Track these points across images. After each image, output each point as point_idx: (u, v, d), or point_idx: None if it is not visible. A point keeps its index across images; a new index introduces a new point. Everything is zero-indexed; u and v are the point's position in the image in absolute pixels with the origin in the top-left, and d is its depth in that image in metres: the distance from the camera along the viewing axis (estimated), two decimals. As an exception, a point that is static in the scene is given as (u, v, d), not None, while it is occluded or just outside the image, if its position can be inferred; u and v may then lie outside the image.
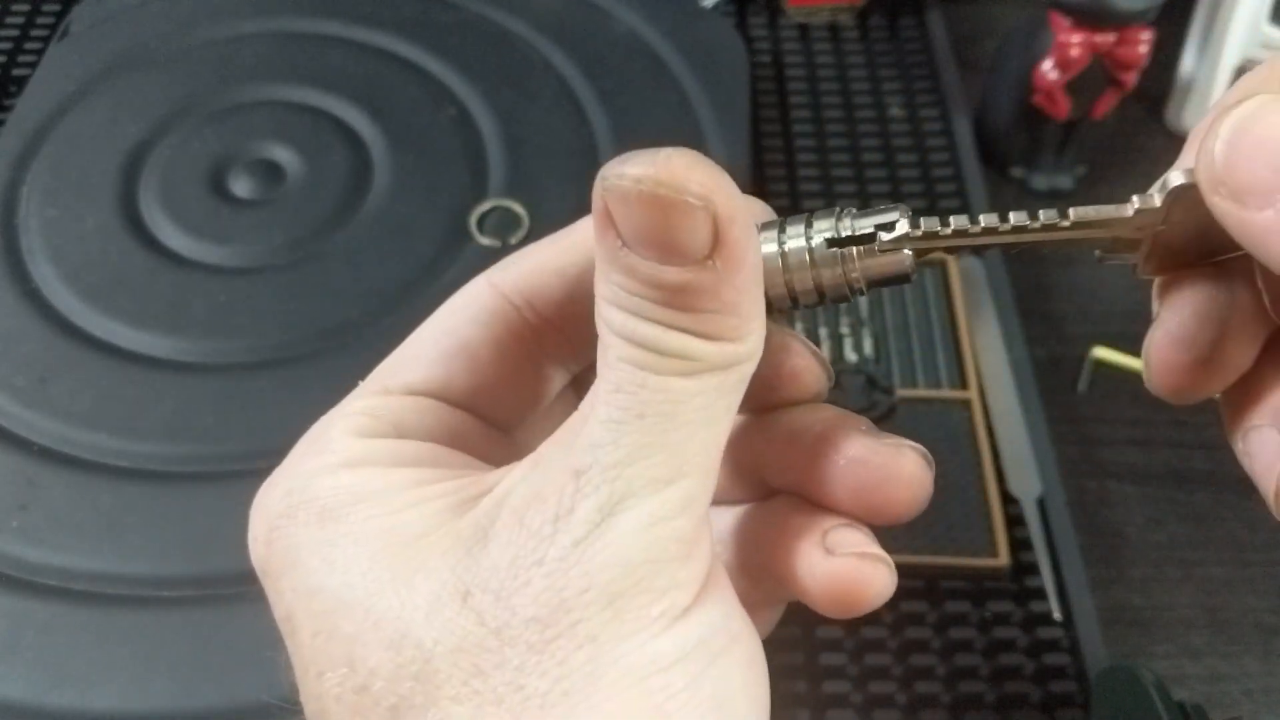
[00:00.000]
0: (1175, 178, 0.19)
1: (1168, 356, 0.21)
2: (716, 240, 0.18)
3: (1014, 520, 0.48)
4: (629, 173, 0.18)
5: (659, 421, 0.18)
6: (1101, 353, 0.54)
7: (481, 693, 0.17)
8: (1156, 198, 0.19)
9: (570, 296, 0.22)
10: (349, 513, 0.19)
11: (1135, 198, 0.20)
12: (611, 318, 0.18)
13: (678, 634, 0.17)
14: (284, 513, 0.19)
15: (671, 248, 0.18)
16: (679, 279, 0.18)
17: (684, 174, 0.18)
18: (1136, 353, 0.55)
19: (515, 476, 0.18)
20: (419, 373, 0.22)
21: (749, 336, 0.18)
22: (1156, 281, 0.20)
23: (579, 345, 0.23)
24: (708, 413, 0.18)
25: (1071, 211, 0.20)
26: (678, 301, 0.18)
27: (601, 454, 0.17)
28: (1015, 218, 0.20)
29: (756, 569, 0.22)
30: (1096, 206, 0.20)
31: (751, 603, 0.20)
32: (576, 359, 0.23)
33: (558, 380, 0.23)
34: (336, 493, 0.19)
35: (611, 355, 0.18)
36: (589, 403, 0.18)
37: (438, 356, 0.22)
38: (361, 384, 0.22)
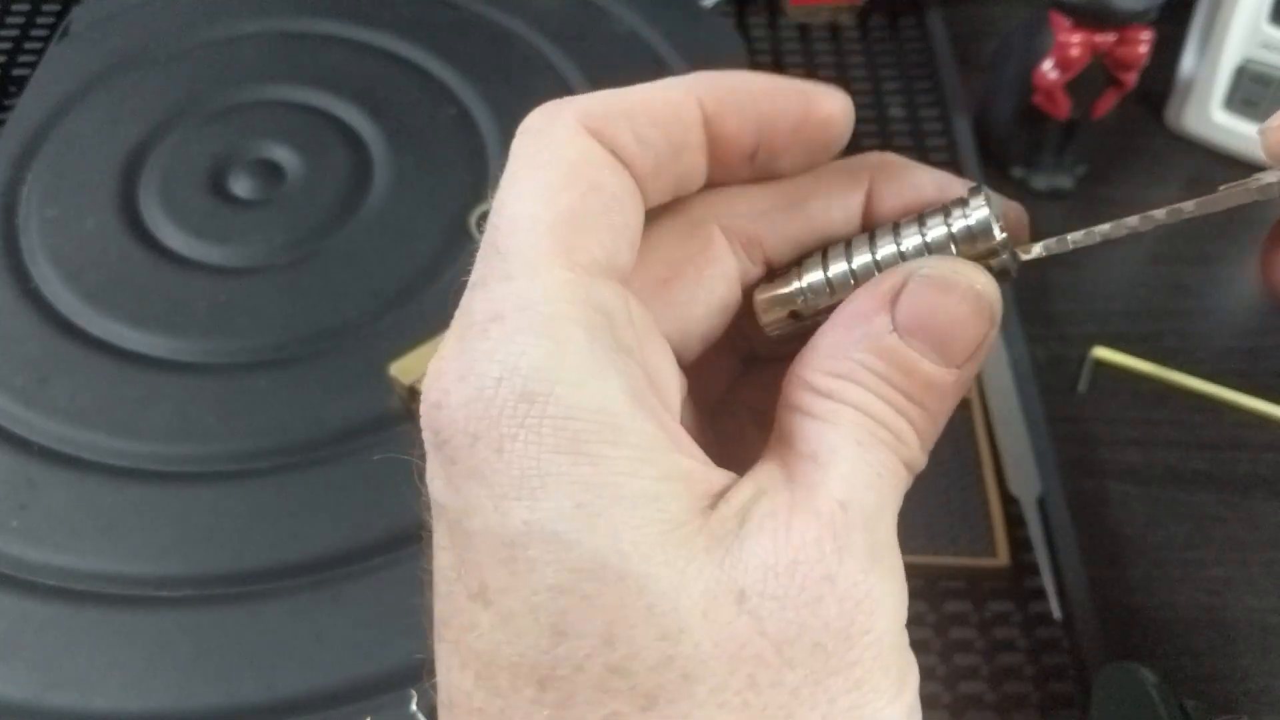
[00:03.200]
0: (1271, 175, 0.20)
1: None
2: (976, 352, 0.19)
3: (1014, 520, 0.48)
4: (947, 268, 0.19)
5: (891, 491, 0.18)
6: (1101, 353, 0.54)
7: (752, 705, 0.16)
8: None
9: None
10: (608, 456, 0.17)
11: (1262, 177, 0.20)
12: (844, 390, 0.19)
13: (899, 711, 0.17)
14: (525, 422, 0.17)
15: (951, 348, 0.19)
16: (936, 376, 0.19)
17: (987, 283, 0.20)
18: (1137, 353, 0.56)
19: (746, 490, 0.18)
20: (622, 254, 0.19)
21: (928, 452, 0.20)
22: None
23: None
24: (899, 504, 0.19)
25: (1193, 203, 0.21)
26: (916, 394, 0.19)
27: (860, 495, 0.18)
28: (1140, 221, 0.22)
29: None
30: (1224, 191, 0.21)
31: None
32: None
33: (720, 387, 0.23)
34: (593, 419, 0.17)
35: (843, 418, 0.19)
36: (801, 446, 0.18)
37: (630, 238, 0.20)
38: (517, 243, 0.19)
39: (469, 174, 0.53)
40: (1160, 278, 0.59)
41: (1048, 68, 0.57)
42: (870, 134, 0.63)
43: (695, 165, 0.20)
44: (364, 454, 0.44)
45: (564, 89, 0.57)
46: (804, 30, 0.69)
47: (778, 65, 0.67)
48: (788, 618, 0.16)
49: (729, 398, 0.23)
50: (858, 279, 0.21)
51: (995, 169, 0.63)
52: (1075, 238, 0.21)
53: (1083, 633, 0.44)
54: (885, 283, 0.19)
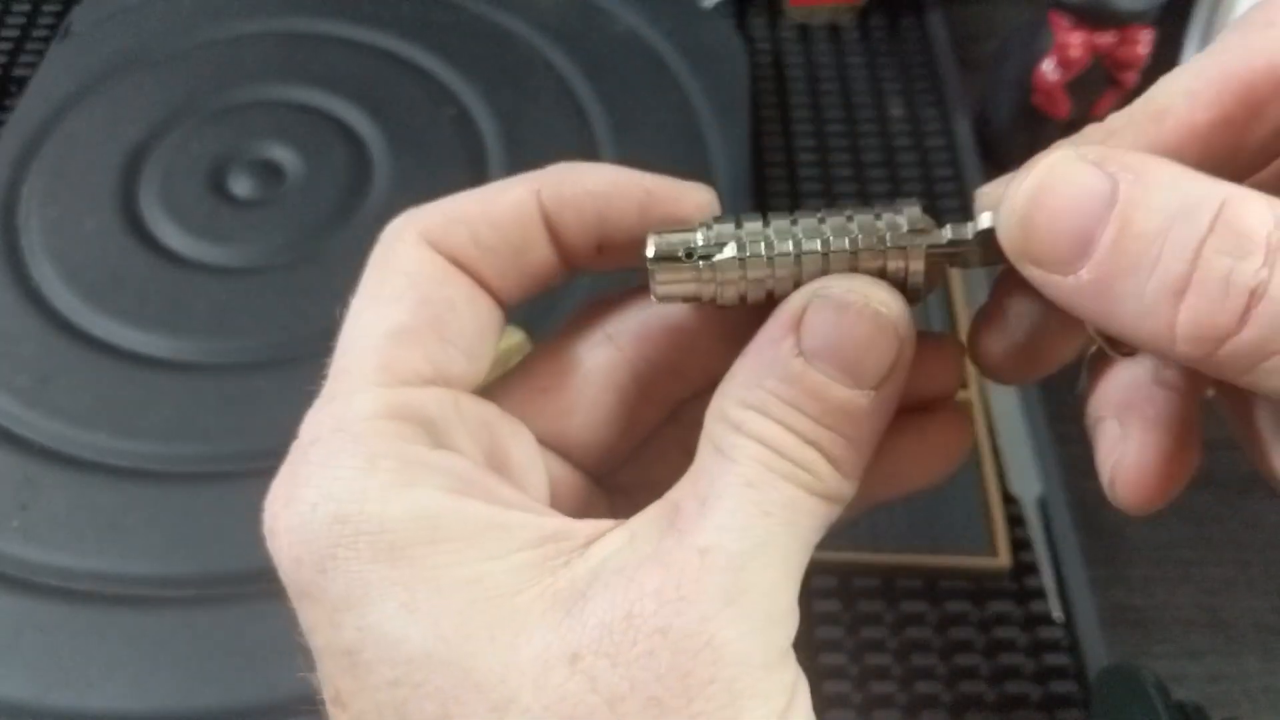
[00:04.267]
0: (985, 220, 0.19)
1: (983, 340, 0.21)
2: (890, 373, 0.19)
3: (1014, 520, 0.48)
4: (843, 287, 0.19)
5: (781, 528, 0.18)
6: None
7: None
8: (969, 227, 0.19)
9: (679, 336, 0.22)
10: (424, 555, 0.17)
11: (963, 225, 0.20)
12: (750, 422, 0.18)
13: None
14: (341, 541, 0.18)
15: (859, 369, 0.18)
16: (847, 400, 0.18)
17: (890, 301, 0.19)
18: (1136, 353, 0.55)
19: (613, 541, 0.18)
20: (452, 361, 0.20)
21: (856, 478, 0.19)
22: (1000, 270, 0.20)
23: (680, 382, 0.22)
24: (812, 535, 0.18)
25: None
26: (828, 420, 0.18)
27: (728, 539, 0.17)
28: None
29: None
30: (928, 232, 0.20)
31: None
32: (669, 395, 0.23)
33: (645, 429, 0.23)
34: (404, 526, 0.18)
35: (742, 453, 0.18)
36: (701, 485, 0.18)
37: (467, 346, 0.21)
38: (348, 361, 0.20)
39: (469, 174, 0.53)
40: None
41: (1048, 68, 0.57)
42: (870, 134, 0.63)
43: (543, 261, 0.21)
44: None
45: (564, 89, 0.57)
46: (804, 30, 0.69)
47: (778, 65, 0.67)
48: (619, 674, 0.16)
49: (670, 435, 0.23)
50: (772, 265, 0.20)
51: (995, 169, 0.63)
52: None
53: (1083, 633, 0.44)
54: (790, 305, 0.19)
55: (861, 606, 0.46)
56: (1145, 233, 0.16)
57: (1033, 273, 0.17)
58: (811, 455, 0.18)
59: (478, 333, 0.21)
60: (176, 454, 0.44)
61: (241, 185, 0.53)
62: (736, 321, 0.21)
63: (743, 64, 0.59)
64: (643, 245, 0.20)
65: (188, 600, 0.40)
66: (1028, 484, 0.49)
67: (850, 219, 0.20)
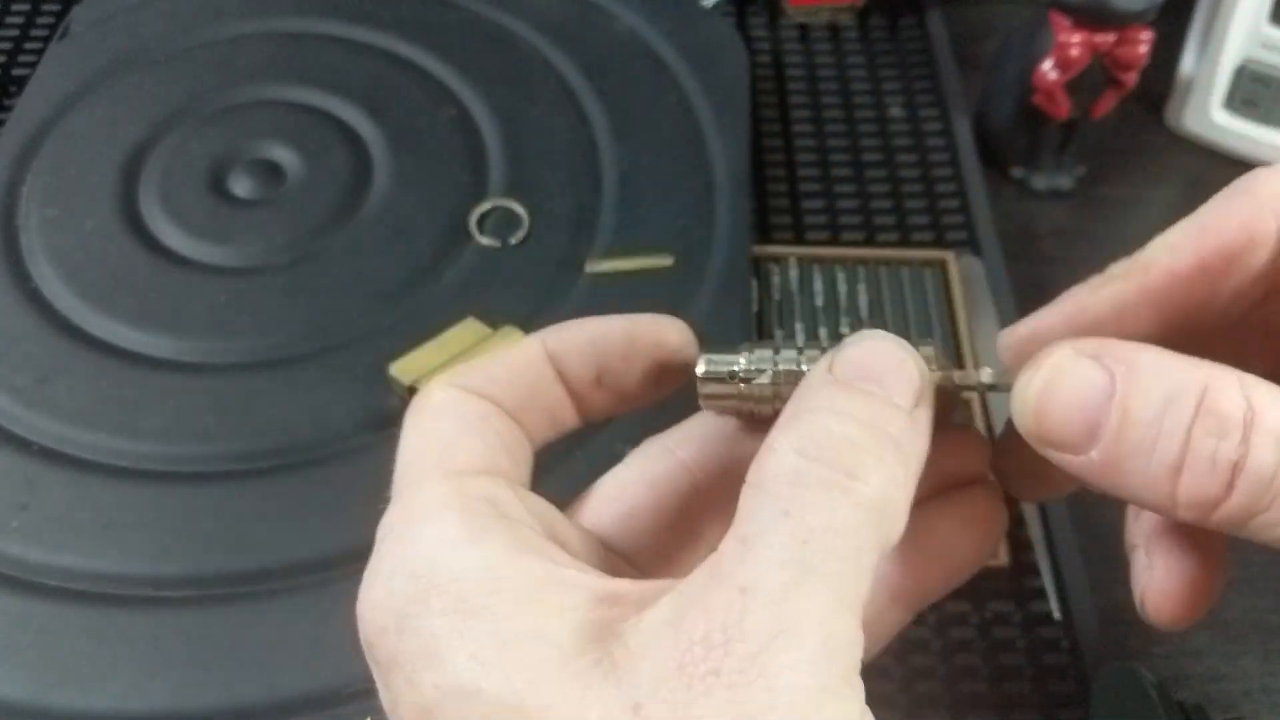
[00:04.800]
0: (987, 376, 0.22)
1: (1003, 467, 0.24)
2: (921, 397, 0.20)
3: (1014, 520, 0.48)
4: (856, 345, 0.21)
5: (824, 554, 0.18)
6: None
7: None
8: (978, 374, 0.23)
9: (737, 461, 0.24)
10: (489, 605, 0.18)
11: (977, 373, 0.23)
12: (786, 442, 0.19)
13: None
14: (415, 598, 0.19)
15: (892, 384, 0.20)
16: (883, 404, 0.20)
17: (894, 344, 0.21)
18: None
19: (664, 602, 0.18)
20: (501, 460, 0.23)
21: (904, 498, 0.20)
22: None
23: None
24: (863, 556, 0.18)
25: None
26: (867, 424, 0.20)
27: (768, 575, 0.17)
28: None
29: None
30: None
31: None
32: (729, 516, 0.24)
33: (710, 535, 0.25)
34: (470, 577, 0.19)
35: (778, 480, 0.19)
36: (740, 527, 0.18)
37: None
38: (409, 476, 0.22)
39: (469, 174, 0.53)
40: (1160, 278, 0.59)
41: (1048, 68, 0.57)
42: (870, 134, 0.63)
43: (557, 399, 0.24)
44: (364, 454, 0.44)
45: (564, 89, 0.57)
46: (804, 30, 0.69)
47: (778, 65, 0.67)
48: (679, 715, 0.16)
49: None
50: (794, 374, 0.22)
51: (995, 169, 0.63)
52: None
53: (1083, 633, 0.44)
54: (822, 361, 0.21)
55: (861, 606, 0.46)
56: (1143, 420, 0.19)
57: (1049, 453, 0.20)
58: (851, 456, 0.19)
59: (519, 448, 0.23)
60: (176, 454, 0.44)
61: (241, 185, 0.53)
62: None
63: (743, 64, 0.59)
64: (694, 364, 0.24)
65: (188, 600, 0.40)
66: (1028, 484, 0.49)
67: None
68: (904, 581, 0.23)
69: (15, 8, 0.69)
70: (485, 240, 0.51)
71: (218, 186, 0.53)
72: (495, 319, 0.46)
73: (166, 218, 0.52)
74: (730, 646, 0.17)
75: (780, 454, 0.19)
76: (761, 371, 0.22)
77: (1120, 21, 0.54)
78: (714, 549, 0.23)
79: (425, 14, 0.60)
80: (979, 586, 0.46)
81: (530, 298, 0.49)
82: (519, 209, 0.52)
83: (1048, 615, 0.45)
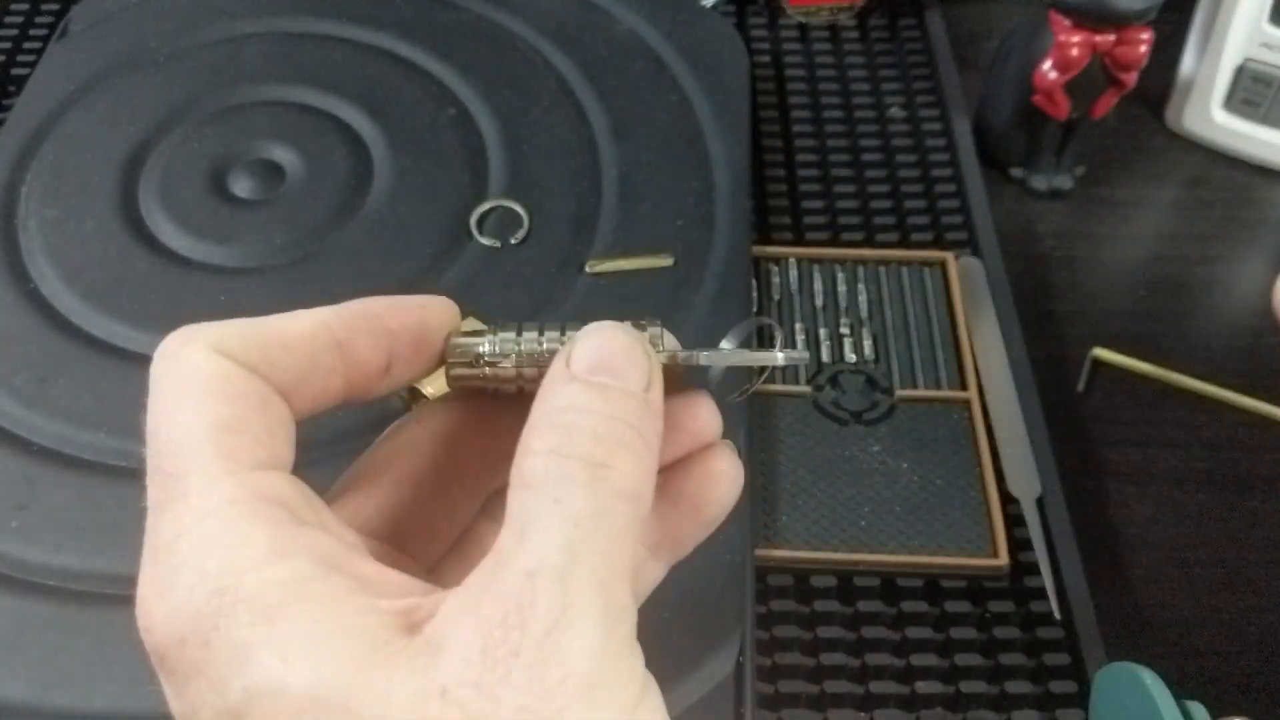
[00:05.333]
0: (703, 359, 0.23)
1: None
2: (651, 377, 0.22)
3: (1014, 520, 0.48)
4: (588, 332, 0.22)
5: (594, 533, 0.19)
6: (1101, 353, 0.54)
7: None
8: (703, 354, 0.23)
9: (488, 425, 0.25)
10: (300, 614, 0.19)
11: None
12: (542, 444, 0.20)
13: None
14: (222, 612, 0.19)
15: (625, 372, 0.21)
16: (623, 398, 0.21)
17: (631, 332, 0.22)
18: (1136, 353, 0.55)
19: (453, 598, 0.19)
20: (279, 448, 0.22)
21: (650, 477, 0.21)
22: None
23: (495, 468, 0.24)
24: (626, 534, 0.20)
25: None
26: (611, 419, 0.21)
27: (549, 556, 0.19)
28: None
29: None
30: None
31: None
32: (489, 481, 0.25)
33: (465, 508, 0.26)
34: (280, 590, 0.19)
35: (541, 475, 0.20)
36: (514, 520, 0.20)
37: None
38: (181, 463, 0.21)
39: (469, 174, 0.53)
40: (1160, 278, 0.59)
41: (1047, 68, 0.57)
42: (870, 134, 0.63)
43: (332, 385, 0.23)
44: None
45: (564, 89, 0.57)
46: (804, 30, 0.69)
47: (778, 65, 0.67)
48: (485, 696, 0.18)
49: (488, 531, 0.26)
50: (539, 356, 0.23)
51: (995, 169, 0.63)
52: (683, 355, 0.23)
53: (1083, 633, 0.44)
54: (560, 356, 0.22)
55: (861, 606, 0.46)
56: None
57: None
58: (604, 452, 0.20)
59: (288, 431, 0.22)
60: (176, 454, 0.44)
61: (241, 185, 0.53)
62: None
63: (743, 64, 0.59)
64: (444, 347, 0.24)
65: (188, 600, 0.40)
66: (1028, 484, 0.49)
67: None
68: (661, 538, 0.25)
69: (14, 7, 0.69)
70: (485, 240, 0.51)
71: (218, 186, 0.53)
72: (495, 319, 0.46)
73: (167, 218, 0.52)
74: (526, 627, 0.18)
75: (539, 455, 0.20)
76: (506, 356, 0.23)
77: (1120, 21, 0.54)
78: (466, 525, 0.25)
79: (425, 14, 0.60)
80: (979, 586, 0.46)
81: (530, 298, 0.49)
82: (519, 209, 0.52)
83: (1048, 615, 0.45)
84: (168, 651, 0.20)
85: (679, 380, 0.24)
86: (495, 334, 0.24)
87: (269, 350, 0.22)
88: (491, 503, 0.26)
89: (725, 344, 0.24)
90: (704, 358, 0.23)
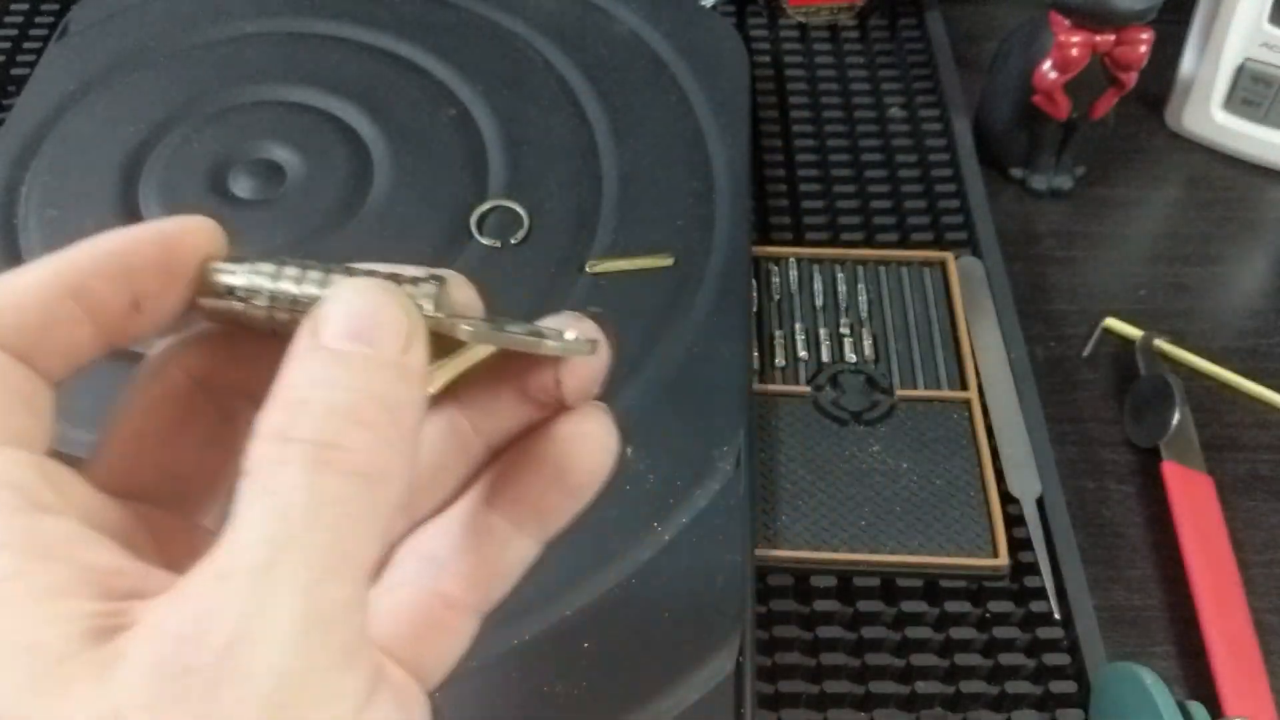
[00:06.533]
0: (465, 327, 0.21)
1: None
2: (410, 339, 0.19)
3: (1014, 520, 0.48)
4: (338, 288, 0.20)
5: (308, 527, 0.17)
6: (1112, 323, 0.55)
7: None
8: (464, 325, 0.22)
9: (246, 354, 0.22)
10: None
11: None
12: (266, 423, 0.18)
13: None
14: None
15: (375, 332, 0.19)
16: (366, 361, 0.19)
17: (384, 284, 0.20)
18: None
19: (157, 601, 0.17)
20: (22, 423, 0.20)
21: (401, 452, 0.19)
22: None
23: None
24: (360, 524, 0.18)
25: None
26: (350, 387, 0.18)
27: (243, 557, 0.17)
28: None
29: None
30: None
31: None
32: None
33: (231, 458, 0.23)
34: None
35: (259, 459, 0.18)
36: (238, 503, 0.17)
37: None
38: None
39: (469, 174, 0.53)
40: (1160, 278, 0.59)
41: (1047, 68, 0.57)
42: (870, 134, 0.63)
43: (79, 337, 0.21)
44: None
45: (564, 89, 0.57)
46: (803, 30, 0.69)
47: (778, 65, 0.67)
48: (156, 717, 0.16)
49: None
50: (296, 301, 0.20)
51: (995, 169, 0.63)
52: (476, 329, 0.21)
53: (1083, 633, 0.44)
54: (305, 325, 0.20)
55: (861, 606, 0.46)
56: None
57: None
58: (334, 430, 0.18)
59: (38, 397, 0.21)
60: (176, 454, 0.44)
61: (241, 185, 0.53)
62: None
63: (743, 64, 0.59)
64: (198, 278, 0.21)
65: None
66: (1028, 484, 0.49)
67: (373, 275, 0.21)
68: (524, 511, 0.23)
69: (14, 7, 0.69)
70: (485, 240, 0.51)
71: (218, 186, 0.53)
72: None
73: (167, 217, 0.52)
74: (203, 639, 0.16)
75: (263, 439, 0.18)
76: (257, 292, 0.21)
77: (1120, 21, 0.54)
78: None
79: (425, 14, 0.60)
80: (979, 586, 0.46)
81: (530, 298, 0.49)
82: (519, 209, 0.52)
83: (1048, 615, 0.45)
84: None
85: (452, 345, 0.21)
86: (254, 265, 0.21)
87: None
88: None
89: (545, 323, 0.22)
90: (465, 329, 0.21)
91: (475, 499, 0.23)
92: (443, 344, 0.21)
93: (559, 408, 0.23)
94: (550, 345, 0.22)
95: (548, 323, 0.22)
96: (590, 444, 0.23)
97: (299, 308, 0.20)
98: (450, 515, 0.23)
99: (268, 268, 0.21)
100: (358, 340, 0.19)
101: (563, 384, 0.22)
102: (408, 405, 0.19)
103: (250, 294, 0.21)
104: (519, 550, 0.23)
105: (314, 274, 0.20)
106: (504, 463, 0.23)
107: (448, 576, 0.23)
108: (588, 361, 0.22)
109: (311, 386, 0.18)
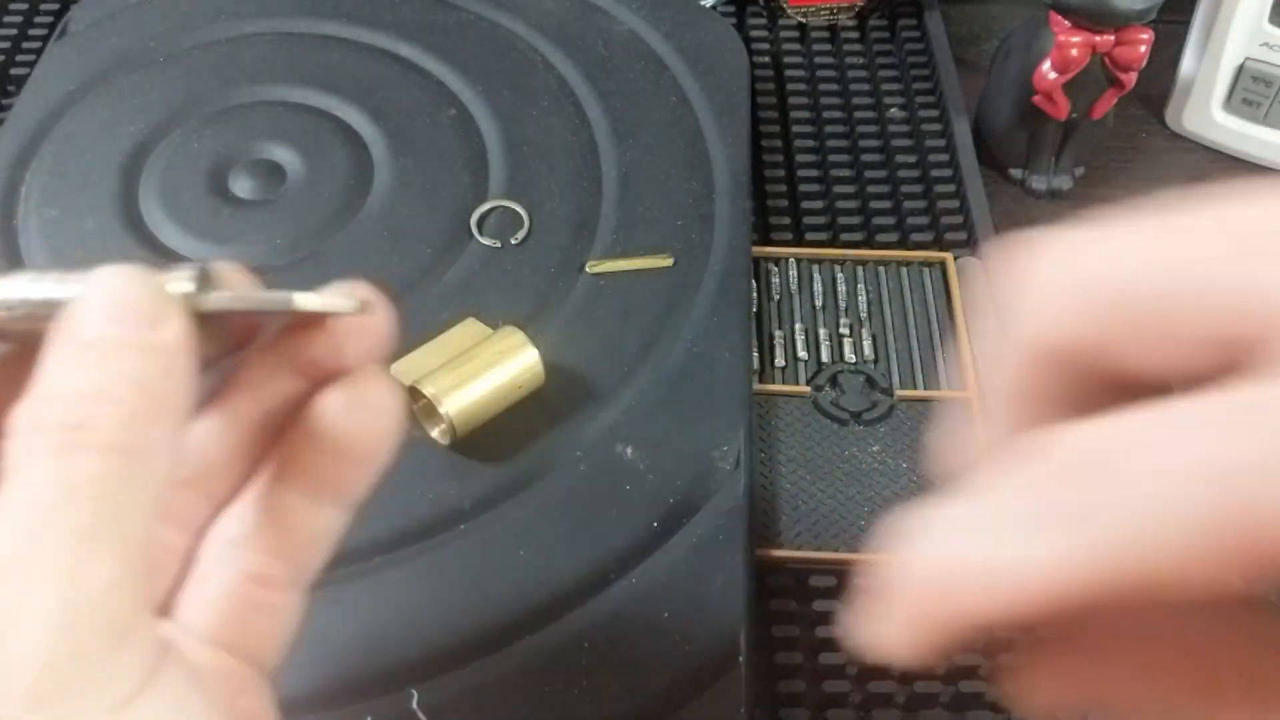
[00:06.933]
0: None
1: None
2: (158, 317, 0.19)
3: (1014, 520, 0.48)
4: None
5: (57, 511, 0.17)
6: None
7: None
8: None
9: None
10: None
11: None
12: (22, 414, 0.18)
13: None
14: None
15: (121, 309, 0.19)
16: (113, 339, 0.19)
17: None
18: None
19: None
20: None
21: (162, 424, 0.19)
22: None
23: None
24: (117, 501, 0.18)
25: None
26: (98, 368, 0.18)
27: (3, 549, 0.17)
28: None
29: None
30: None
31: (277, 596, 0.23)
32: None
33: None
34: None
35: (16, 454, 0.18)
36: None
37: None
38: None
39: (469, 174, 0.53)
40: (1160, 278, 0.59)
41: (1047, 68, 0.57)
42: (870, 135, 0.63)
43: None
44: (364, 454, 0.44)
45: (564, 89, 0.57)
46: (803, 30, 0.69)
47: (777, 65, 0.67)
48: None
49: None
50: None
51: (994, 170, 0.63)
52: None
53: (1082, 633, 0.44)
54: (60, 322, 0.20)
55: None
56: None
57: None
58: (82, 411, 0.18)
59: None
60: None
61: (242, 185, 0.53)
62: None
63: (743, 64, 0.59)
64: None
65: (188, 600, 0.40)
66: (1027, 484, 0.49)
67: None
68: (317, 483, 0.23)
69: (14, 7, 0.69)
70: (485, 240, 0.51)
71: (218, 187, 0.53)
72: (495, 319, 0.46)
73: (167, 218, 0.52)
74: None
75: (15, 435, 0.18)
76: (18, 303, 0.21)
77: (1120, 21, 0.54)
78: None
79: (425, 14, 0.60)
80: (979, 586, 0.46)
81: (530, 298, 0.49)
82: (519, 209, 0.52)
83: (1047, 615, 0.45)
84: None
85: (292, 315, 0.22)
86: (10, 280, 0.21)
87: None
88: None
89: (321, 293, 0.22)
90: (212, 298, 0.21)
91: (268, 477, 0.23)
92: (227, 327, 0.21)
93: (332, 375, 0.23)
94: (301, 300, 0.22)
95: (325, 294, 0.23)
96: (365, 411, 0.23)
97: (42, 314, 0.20)
98: (247, 496, 0.23)
99: (27, 275, 0.21)
100: (107, 325, 0.19)
101: (342, 350, 0.23)
102: (162, 379, 0.19)
103: (13, 305, 0.20)
104: (321, 520, 0.23)
105: (73, 282, 0.20)
106: (290, 439, 0.23)
107: (252, 556, 0.22)
108: (364, 323, 0.23)
109: (63, 377, 0.18)
